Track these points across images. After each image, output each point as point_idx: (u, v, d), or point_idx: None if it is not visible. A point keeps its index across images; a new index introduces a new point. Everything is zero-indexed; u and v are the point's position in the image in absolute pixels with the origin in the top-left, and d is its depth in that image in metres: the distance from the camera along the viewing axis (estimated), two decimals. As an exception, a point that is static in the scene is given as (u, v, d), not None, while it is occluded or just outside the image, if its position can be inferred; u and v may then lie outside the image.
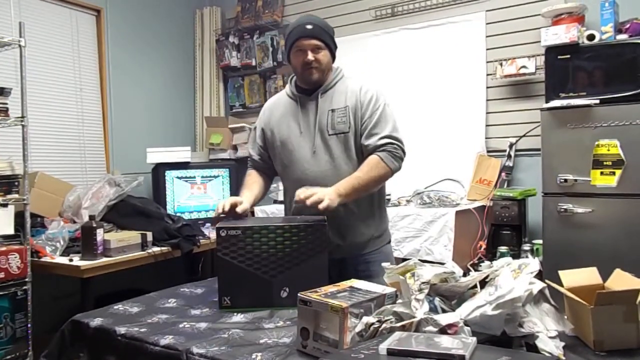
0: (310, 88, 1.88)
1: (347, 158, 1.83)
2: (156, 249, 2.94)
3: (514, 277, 1.18)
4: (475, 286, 1.26)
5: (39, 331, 2.77)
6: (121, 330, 1.44)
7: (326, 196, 1.63)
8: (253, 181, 1.99)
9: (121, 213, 3.10)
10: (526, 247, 2.86)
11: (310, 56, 1.79)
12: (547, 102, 2.68)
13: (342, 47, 4.04)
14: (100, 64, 3.73)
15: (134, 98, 3.94)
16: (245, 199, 1.85)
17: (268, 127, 1.96)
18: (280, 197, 3.57)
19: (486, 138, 3.30)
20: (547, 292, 1.20)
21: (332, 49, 1.86)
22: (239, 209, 1.76)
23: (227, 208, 1.73)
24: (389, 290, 1.27)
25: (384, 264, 1.35)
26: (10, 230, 2.67)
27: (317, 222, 1.62)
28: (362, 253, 1.87)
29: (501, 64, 3.17)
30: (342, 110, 1.83)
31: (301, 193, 1.63)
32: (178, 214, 3.47)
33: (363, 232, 1.86)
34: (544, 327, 1.14)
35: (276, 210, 3.47)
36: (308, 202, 1.60)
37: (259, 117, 2.03)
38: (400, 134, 1.83)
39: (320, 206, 1.60)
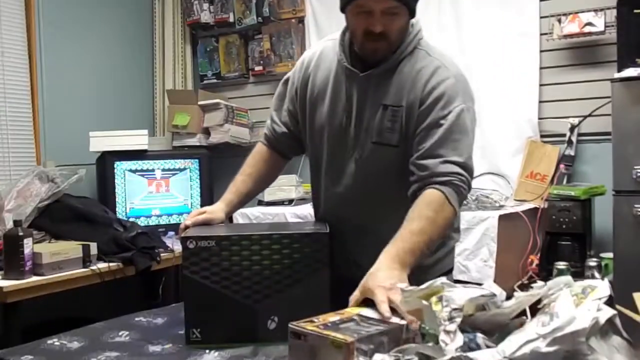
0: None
1: (386, 181, 1.70)
2: (102, 265, 2.93)
3: (576, 304, 1.18)
4: (523, 313, 1.27)
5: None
6: (57, 372, 1.45)
7: (391, 292, 1.32)
8: (251, 170, 1.91)
9: (56, 218, 3.10)
10: (592, 262, 2.85)
11: (379, 26, 1.57)
12: (619, 70, 2.68)
13: None
14: (28, 19, 3.71)
15: (73, 65, 3.94)
16: (218, 207, 1.83)
17: (309, 90, 1.79)
18: (268, 198, 3.58)
19: (539, 119, 3.31)
20: (617, 321, 1.20)
21: (411, 5, 1.62)
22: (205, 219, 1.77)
23: (188, 224, 1.73)
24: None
25: (400, 285, 1.35)
26: None
27: (317, 230, 1.63)
28: None
29: (560, 21, 3.17)
30: (394, 111, 1.66)
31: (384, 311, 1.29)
32: (131, 219, 3.47)
33: None
34: (614, 367, 1.14)
35: (261, 215, 3.47)
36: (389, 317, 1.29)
37: (296, 69, 1.86)
38: (472, 161, 1.63)
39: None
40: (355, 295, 1.38)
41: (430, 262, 1.74)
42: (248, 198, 1.93)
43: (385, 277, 1.38)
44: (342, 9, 1.66)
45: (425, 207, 1.54)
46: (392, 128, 1.66)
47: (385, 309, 1.27)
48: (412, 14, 1.64)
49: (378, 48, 1.63)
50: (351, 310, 1.34)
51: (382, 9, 1.56)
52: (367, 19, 1.58)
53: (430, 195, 1.55)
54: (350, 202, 1.74)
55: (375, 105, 1.68)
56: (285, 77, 1.91)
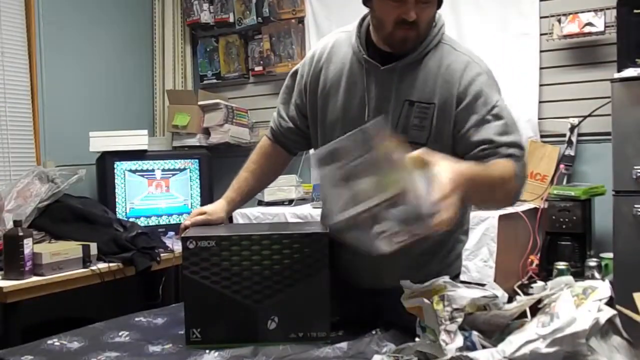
0: (391, 52, 1.63)
1: None
2: (102, 265, 2.93)
3: (577, 304, 1.18)
4: (523, 314, 1.27)
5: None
6: (57, 372, 1.45)
7: (450, 197, 1.21)
8: (255, 166, 1.88)
9: (56, 218, 3.10)
10: (592, 262, 2.86)
11: (413, 13, 1.51)
12: (619, 70, 2.68)
13: None
14: (28, 19, 3.71)
15: (73, 65, 3.93)
16: (219, 205, 1.81)
17: (321, 84, 1.71)
18: (268, 198, 3.58)
19: (539, 119, 3.31)
20: (618, 321, 1.20)
21: None
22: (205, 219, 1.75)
23: (188, 224, 1.72)
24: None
25: (402, 282, 1.34)
26: None
27: (317, 230, 1.62)
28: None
29: (559, 21, 3.17)
30: (424, 108, 1.58)
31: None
32: (131, 220, 3.46)
33: (414, 274, 1.49)
34: (615, 368, 1.14)
35: (261, 215, 3.47)
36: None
37: (306, 62, 1.79)
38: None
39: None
40: (428, 158, 1.25)
41: (441, 267, 1.70)
42: (250, 196, 1.90)
43: (456, 187, 1.23)
44: (366, 1, 1.60)
45: (500, 171, 1.46)
46: (421, 126, 1.58)
47: (438, 204, 1.17)
48: (440, 4, 1.60)
49: (408, 37, 1.56)
50: (414, 163, 1.24)
51: None
52: (399, 7, 1.52)
53: (503, 163, 1.48)
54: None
55: (399, 101, 1.60)
56: (294, 69, 1.84)
